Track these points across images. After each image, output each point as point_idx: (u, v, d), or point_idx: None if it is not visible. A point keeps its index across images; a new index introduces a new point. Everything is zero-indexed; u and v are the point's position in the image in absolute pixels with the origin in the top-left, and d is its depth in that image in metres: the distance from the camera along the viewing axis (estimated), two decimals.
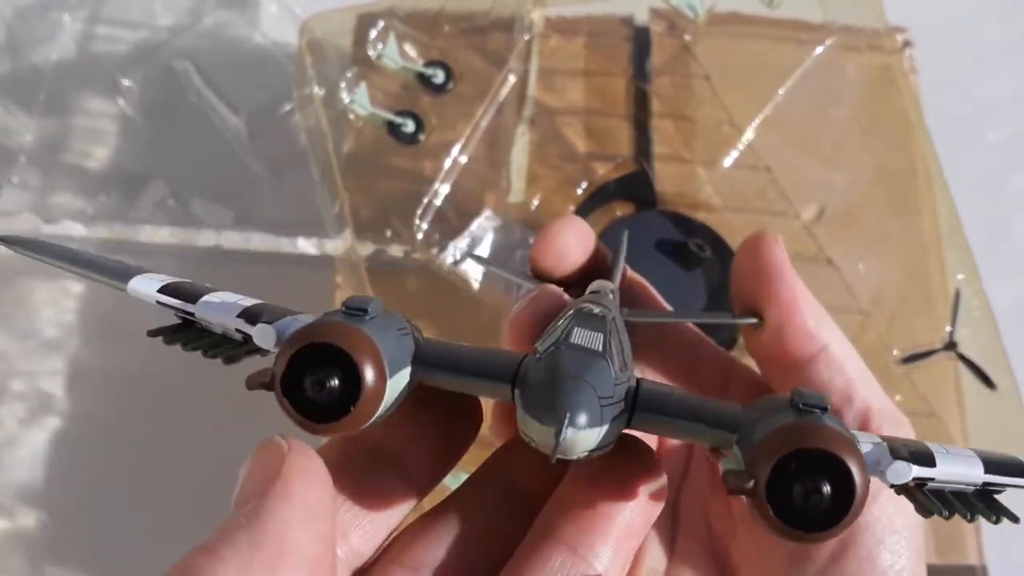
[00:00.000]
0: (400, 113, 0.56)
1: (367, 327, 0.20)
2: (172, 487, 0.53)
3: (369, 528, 0.23)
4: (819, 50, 0.58)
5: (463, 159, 0.55)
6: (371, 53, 0.56)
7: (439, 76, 0.56)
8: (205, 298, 0.24)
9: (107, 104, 0.61)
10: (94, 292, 0.58)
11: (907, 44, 0.60)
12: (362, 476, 0.23)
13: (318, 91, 0.56)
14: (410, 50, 0.57)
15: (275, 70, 0.62)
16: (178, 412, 0.55)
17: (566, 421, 0.20)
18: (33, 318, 0.58)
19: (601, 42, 0.59)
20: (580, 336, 0.21)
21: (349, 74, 0.56)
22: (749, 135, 0.56)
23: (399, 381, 0.21)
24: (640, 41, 0.59)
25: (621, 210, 0.55)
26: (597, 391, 0.20)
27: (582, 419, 0.20)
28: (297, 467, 0.20)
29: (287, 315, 0.22)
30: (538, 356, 0.22)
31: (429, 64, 0.57)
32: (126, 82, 0.61)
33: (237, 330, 0.23)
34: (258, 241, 0.57)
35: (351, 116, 0.56)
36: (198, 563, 0.19)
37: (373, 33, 0.57)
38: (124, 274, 0.25)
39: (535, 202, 0.54)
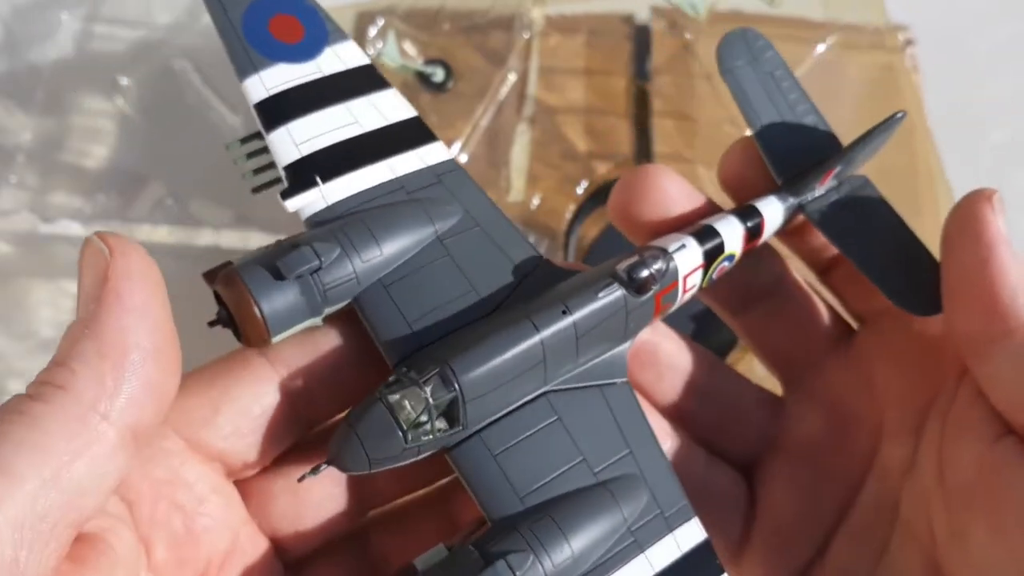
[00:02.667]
0: (429, 62, 0.56)
1: (258, 285, 0.24)
2: None
3: None
4: (821, 48, 0.58)
5: (463, 158, 0.55)
6: (370, 51, 0.56)
7: (439, 74, 0.56)
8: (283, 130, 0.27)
9: (105, 103, 0.61)
10: None
11: (909, 43, 0.60)
12: None
13: None
14: (409, 48, 0.57)
15: None
16: None
17: None
18: (31, 318, 0.58)
19: (602, 41, 0.58)
20: None
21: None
22: (750, 134, 0.56)
23: (286, 324, 0.25)
24: (641, 40, 0.59)
25: None
26: None
27: None
28: (122, 270, 0.22)
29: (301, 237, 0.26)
30: None
31: (429, 62, 0.56)
32: (124, 81, 0.61)
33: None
34: (257, 240, 0.57)
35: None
36: (54, 376, 0.21)
37: (372, 31, 0.56)
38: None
39: (535, 201, 0.54)
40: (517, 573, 0.23)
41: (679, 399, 0.31)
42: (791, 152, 0.31)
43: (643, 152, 0.56)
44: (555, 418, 0.26)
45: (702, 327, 0.52)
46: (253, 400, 0.25)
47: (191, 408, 0.25)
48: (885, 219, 0.31)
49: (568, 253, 0.54)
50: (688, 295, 0.29)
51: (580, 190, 0.55)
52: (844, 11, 0.58)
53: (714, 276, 0.29)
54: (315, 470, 0.24)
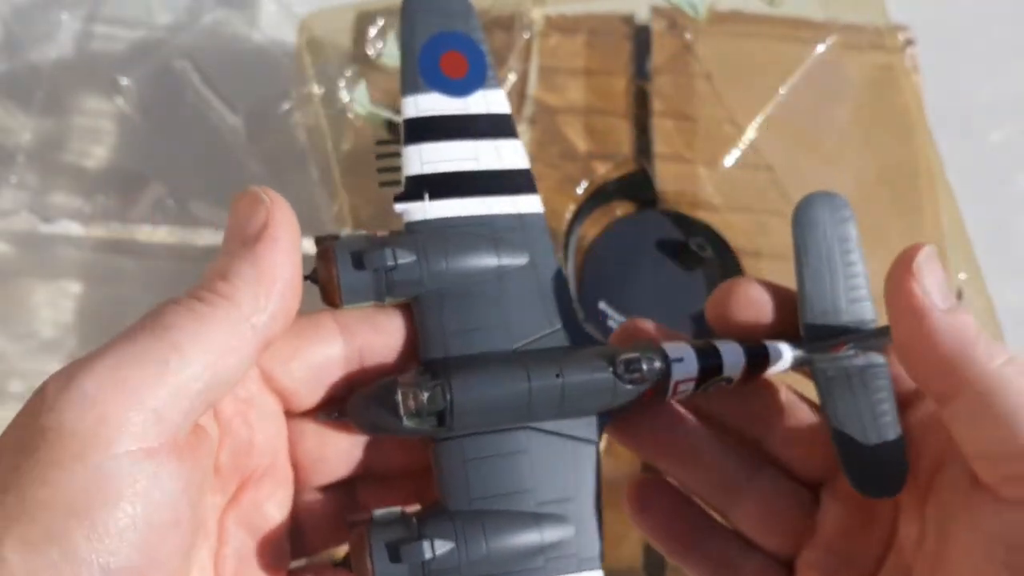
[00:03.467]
0: (400, 111, 0.55)
1: (344, 266, 0.30)
2: None
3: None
4: (821, 49, 0.58)
5: None
6: (370, 51, 0.56)
7: None
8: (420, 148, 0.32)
9: (105, 103, 0.61)
10: (93, 293, 0.58)
11: (909, 43, 0.60)
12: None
13: (317, 90, 0.56)
14: None
15: (274, 69, 0.62)
16: None
17: None
18: (32, 318, 0.58)
19: (601, 41, 0.58)
20: None
21: (348, 73, 0.56)
22: (750, 134, 0.56)
23: (356, 299, 0.30)
24: (641, 40, 0.58)
25: (621, 210, 0.55)
26: None
27: None
28: (280, 219, 0.28)
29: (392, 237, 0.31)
30: None
31: None
32: (124, 81, 0.61)
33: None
34: None
35: (350, 115, 0.55)
36: (219, 287, 0.27)
37: (372, 31, 0.56)
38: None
39: None
40: (436, 553, 0.28)
41: (720, 497, 0.34)
42: (826, 314, 0.33)
43: (643, 152, 0.56)
44: (524, 450, 0.30)
45: (702, 327, 0.52)
46: (320, 354, 0.30)
47: (276, 350, 0.30)
48: (878, 401, 0.32)
49: (568, 253, 0.54)
50: (678, 397, 0.32)
51: (580, 190, 0.55)
52: (844, 11, 0.58)
53: (710, 389, 0.32)
54: (331, 414, 0.30)
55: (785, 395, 0.35)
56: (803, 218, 0.33)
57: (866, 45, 0.58)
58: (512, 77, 0.56)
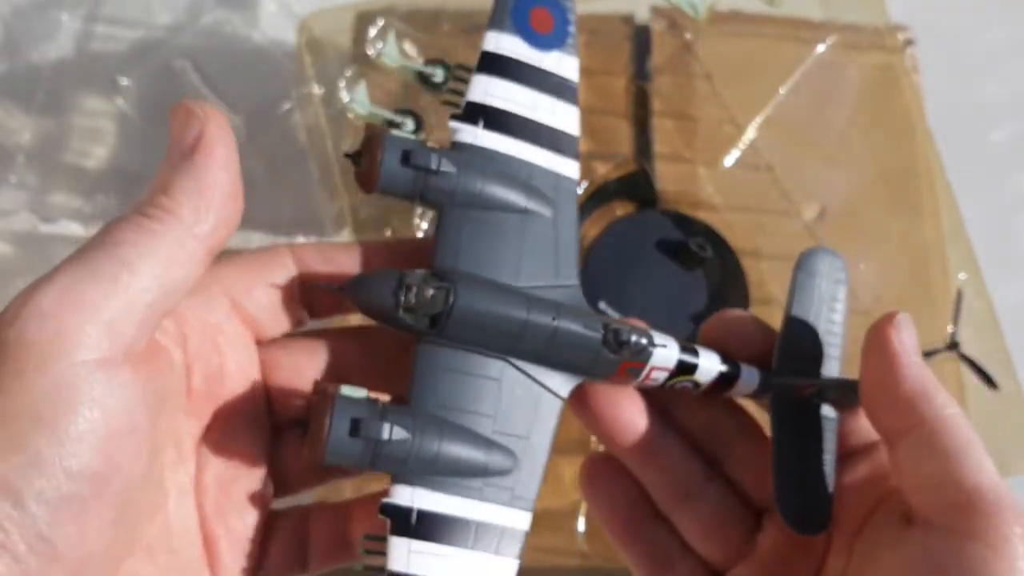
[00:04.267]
0: (399, 112, 0.55)
1: (390, 153, 0.31)
2: None
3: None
4: (820, 49, 0.58)
5: None
6: (370, 52, 0.56)
7: (438, 75, 0.56)
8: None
9: (105, 103, 0.61)
10: None
11: (909, 43, 0.60)
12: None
13: (317, 90, 0.56)
14: (409, 49, 0.57)
15: (274, 69, 0.62)
16: None
17: None
18: None
19: (601, 40, 0.58)
20: None
21: (348, 73, 0.56)
22: (750, 134, 0.56)
23: (388, 188, 0.32)
24: (641, 40, 0.58)
25: (621, 209, 0.55)
26: None
27: None
28: (215, 132, 0.29)
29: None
30: None
31: (428, 63, 0.56)
32: (124, 81, 0.61)
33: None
34: (257, 240, 0.57)
35: (350, 115, 0.56)
36: (163, 202, 0.28)
37: (372, 31, 0.56)
38: None
39: None
40: (392, 437, 0.29)
41: (669, 499, 0.36)
42: (799, 357, 0.35)
43: (643, 152, 0.56)
44: (497, 379, 0.32)
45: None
46: (279, 283, 0.32)
47: (237, 278, 0.32)
48: (822, 449, 0.34)
49: None
50: (648, 383, 0.33)
51: (580, 190, 0.55)
52: (844, 11, 0.58)
53: (676, 386, 0.34)
54: (330, 287, 0.31)
55: (749, 419, 0.36)
56: (805, 266, 0.35)
57: (866, 45, 0.58)
58: None
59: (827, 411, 0.35)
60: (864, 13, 0.58)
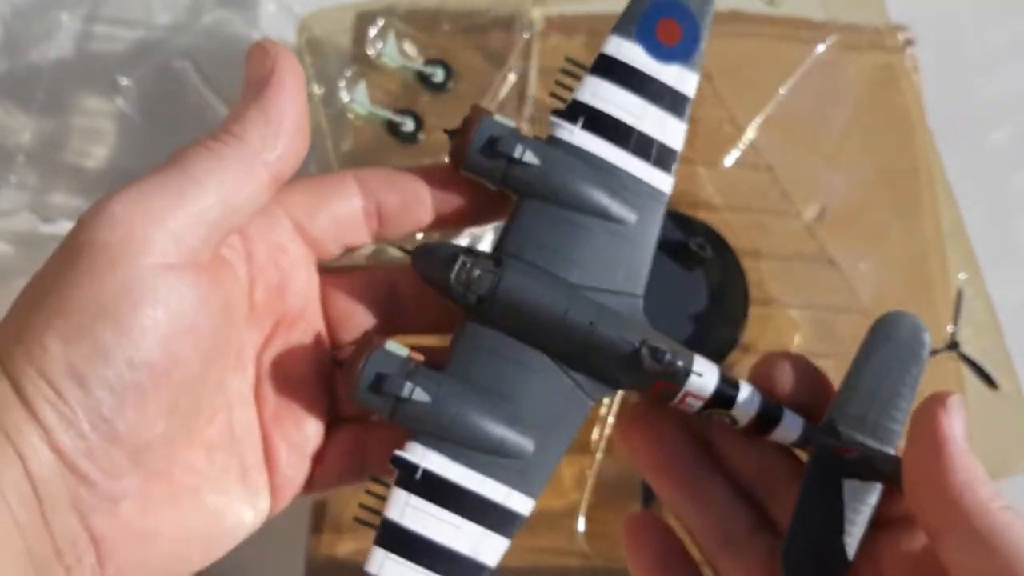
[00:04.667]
0: (399, 112, 0.55)
1: (480, 136, 0.33)
2: None
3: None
4: (820, 49, 0.58)
5: None
6: (370, 52, 0.56)
7: (439, 75, 0.56)
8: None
9: (105, 103, 0.61)
10: None
11: (909, 43, 0.60)
12: None
13: (317, 90, 0.56)
14: (409, 48, 0.57)
15: None
16: None
17: None
18: None
19: (601, 41, 0.58)
20: None
21: (348, 73, 0.56)
22: (750, 134, 0.56)
23: (474, 170, 0.33)
24: None
25: None
26: None
27: None
28: (284, 66, 0.31)
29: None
30: None
31: (429, 63, 0.56)
32: (124, 81, 0.61)
33: None
34: None
35: (350, 115, 0.56)
36: (232, 128, 0.30)
37: (372, 31, 0.56)
38: None
39: None
40: (411, 398, 0.31)
41: (714, 544, 0.35)
42: (855, 419, 0.33)
43: None
44: (533, 369, 0.32)
45: (702, 327, 0.52)
46: (342, 207, 0.34)
47: (302, 202, 0.33)
48: (854, 514, 0.33)
49: None
50: (682, 408, 0.33)
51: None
52: (844, 11, 0.58)
53: (714, 417, 0.33)
54: (405, 248, 0.34)
55: (798, 467, 0.35)
56: (884, 329, 0.33)
57: (866, 45, 0.58)
58: (512, 77, 0.56)
59: (869, 487, 0.33)
60: (864, 13, 0.58)
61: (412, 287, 0.35)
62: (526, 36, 0.57)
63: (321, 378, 0.34)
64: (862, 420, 0.32)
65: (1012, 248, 0.61)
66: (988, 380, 0.51)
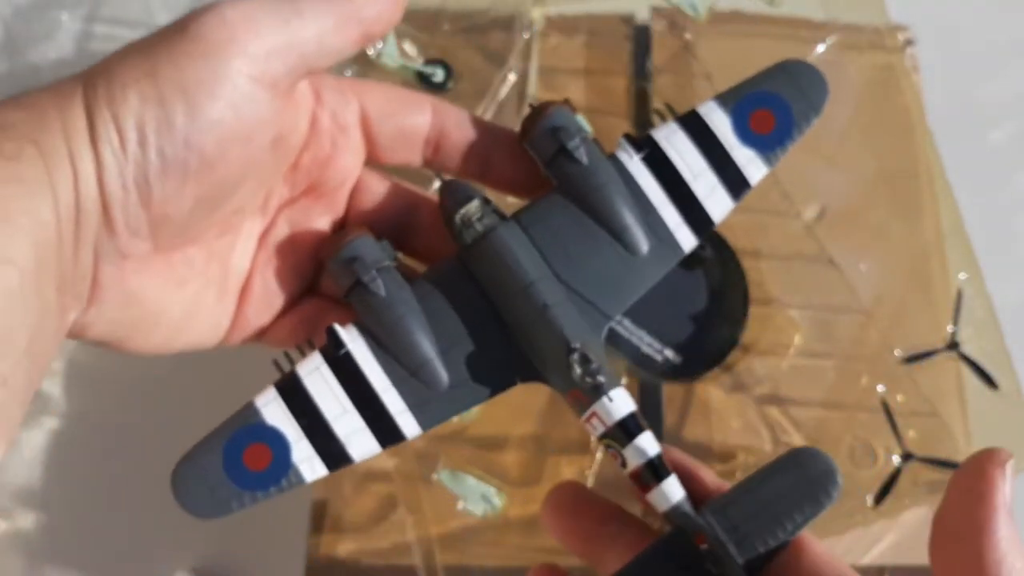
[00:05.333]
0: (429, 62, 0.56)
1: (547, 122, 0.35)
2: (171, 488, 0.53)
3: None
4: (820, 49, 0.58)
5: None
6: (370, 52, 0.56)
7: (439, 75, 0.56)
8: None
9: None
10: None
11: (909, 43, 0.60)
12: None
13: None
14: (409, 49, 0.57)
15: None
16: (178, 412, 0.54)
17: None
18: None
19: (601, 41, 0.59)
20: None
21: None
22: None
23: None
24: (641, 40, 0.59)
25: None
26: None
27: None
28: None
29: None
30: None
31: (428, 63, 0.57)
32: None
33: None
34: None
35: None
36: None
37: None
38: None
39: None
40: (369, 284, 0.33)
41: None
42: (736, 524, 0.31)
43: None
44: (482, 322, 0.34)
45: (701, 327, 0.52)
46: (410, 120, 0.36)
47: (378, 100, 0.36)
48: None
49: None
50: (588, 426, 0.33)
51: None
52: (844, 11, 0.58)
53: (608, 450, 0.33)
54: (441, 176, 0.36)
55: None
56: (800, 458, 0.31)
57: (866, 45, 0.58)
58: (512, 77, 0.57)
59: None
60: (864, 13, 0.58)
61: (431, 219, 0.37)
62: (526, 36, 0.57)
63: (315, 255, 0.36)
64: (735, 527, 0.31)
65: (1012, 248, 0.61)
66: (988, 380, 0.51)
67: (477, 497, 0.46)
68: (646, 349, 0.51)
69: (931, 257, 0.53)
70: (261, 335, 0.37)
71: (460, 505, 0.46)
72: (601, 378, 0.32)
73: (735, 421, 0.50)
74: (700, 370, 0.51)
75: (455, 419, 0.47)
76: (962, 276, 0.53)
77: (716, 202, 0.35)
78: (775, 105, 0.36)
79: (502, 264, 0.33)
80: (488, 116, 0.56)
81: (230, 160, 0.31)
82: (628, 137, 0.35)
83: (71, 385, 0.56)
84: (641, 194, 0.35)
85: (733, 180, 0.35)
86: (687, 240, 0.35)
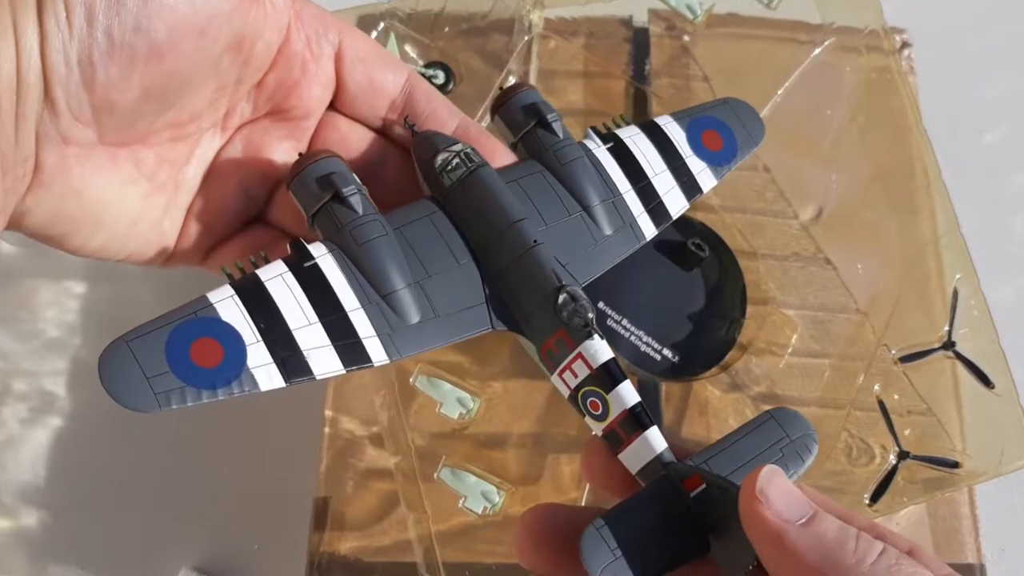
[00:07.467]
0: (430, 64, 0.56)
1: (520, 99, 0.38)
2: (173, 486, 0.53)
3: None
4: (817, 51, 0.58)
5: None
6: None
7: (439, 77, 0.57)
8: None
9: None
10: (96, 293, 0.58)
11: (905, 45, 0.60)
12: None
13: None
14: (410, 51, 0.57)
15: None
16: (178, 412, 0.55)
17: None
18: (36, 318, 0.58)
19: (600, 43, 0.59)
20: None
21: None
22: None
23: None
24: (639, 42, 0.59)
25: None
26: None
27: None
28: None
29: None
30: None
31: (429, 65, 0.57)
32: None
33: None
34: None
35: None
36: None
37: (373, 34, 0.57)
38: None
39: None
40: (347, 198, 0.32)
41: None
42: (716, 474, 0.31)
43: None
44: (457, 263, 0.33)
45: (699, 326, 0.52)
46: (384, 76, 0.36)
47: (359, 46, 0.35)
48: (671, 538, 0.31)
49: None
50: (564, 376, 0.32)
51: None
52: (840, 14, 0.59)
53: (587, 401, 0.31)
54: (409, 124, 0.36)
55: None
56: (783, 418, 0.33)
57: (862, 47, 0.58)
58: (512, 79, 0.57)
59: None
60: (860, 16, 0.58)
61: (396, 173, 0.36)
62: (526, 39, 0.58)
63: (270, 180, 0.36)
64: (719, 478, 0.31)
65: (1007, 248, 0.61)
66: (983, 379, 0.51)
67: (478, 495, 0.47)
68: (644, 348, 0.51)
69: (927, 257, 0.54)
70: (205, 258, 0.36)
71: (461, 503, 0.47)
72: (590, 315, 0.31)
73: (733, 419, 0.50)
74: (698, 369, 0.51)
75: (455, 417, 0.47)
76: (957, 276, 0.53)
77: (673, 200, 0.37)
78: (722, 129, 0.39)
79: (489, 200, 0.33)
80: (488, 118, 0.56)
81: (181, 52, 0.30)
82: (594, 129, 0.37)
83: (73, 384, 0.56)
84: (608, 178, 0.36)
85: (688, 184, 0.38)
86: (648, 228, 0.36)
